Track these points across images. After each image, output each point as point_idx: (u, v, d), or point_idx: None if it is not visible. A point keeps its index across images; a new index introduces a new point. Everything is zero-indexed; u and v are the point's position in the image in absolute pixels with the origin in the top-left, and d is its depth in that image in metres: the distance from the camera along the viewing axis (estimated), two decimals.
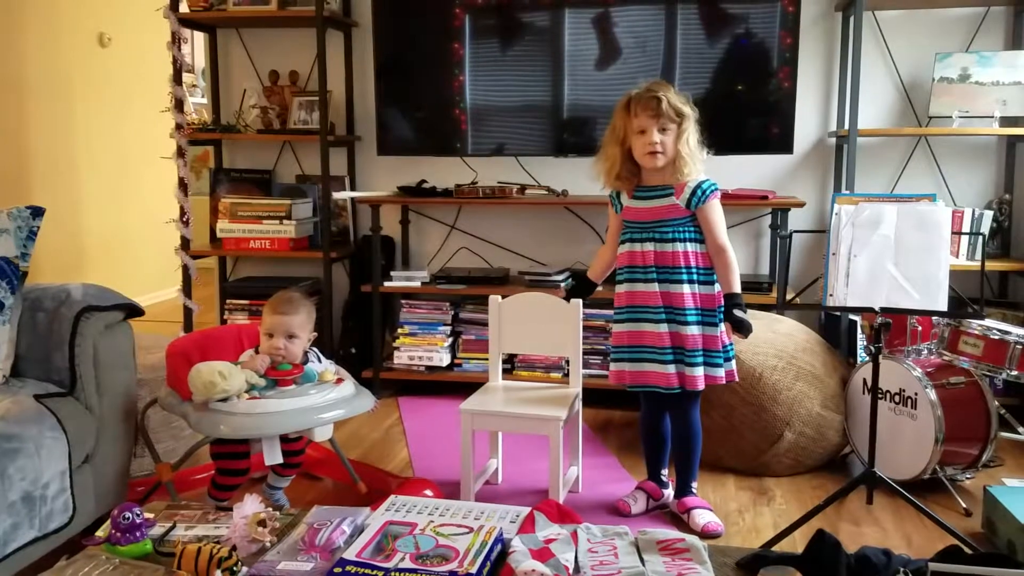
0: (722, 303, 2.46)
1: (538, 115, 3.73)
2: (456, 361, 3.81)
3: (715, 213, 2.46)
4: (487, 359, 2.92)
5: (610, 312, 2.63)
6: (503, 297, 2.84)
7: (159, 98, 4.04)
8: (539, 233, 4.02)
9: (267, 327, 2.35)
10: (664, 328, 2.46)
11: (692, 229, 2.47)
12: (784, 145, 3.56)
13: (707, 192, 2.44)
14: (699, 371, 2.45)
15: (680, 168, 2.43)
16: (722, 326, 2.47)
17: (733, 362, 2.52)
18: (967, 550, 1.69)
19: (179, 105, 3.91)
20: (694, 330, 2.45)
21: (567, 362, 3.07)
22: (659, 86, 2.46)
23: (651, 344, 2.48)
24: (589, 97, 3.66)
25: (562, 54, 3.66)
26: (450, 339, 3.80)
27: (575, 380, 2.79)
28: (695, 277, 2.46)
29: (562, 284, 3.61)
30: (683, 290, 2.45)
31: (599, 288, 2.77)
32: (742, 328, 2.39)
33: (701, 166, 2.47)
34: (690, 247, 2.46)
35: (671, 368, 2.47)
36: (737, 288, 2.44)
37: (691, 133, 2.43)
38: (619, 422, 3.48)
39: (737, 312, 2.40)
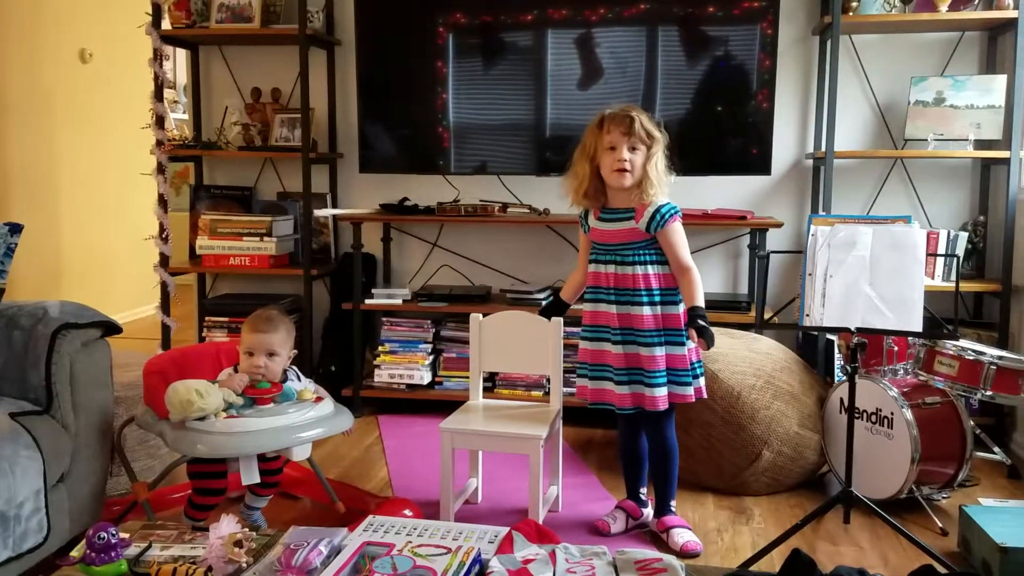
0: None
1: (520, 134, 3.75)
2: (437, 379, 3.80)
3: (675, 236, 2.48)
4: (468, 377, 2.92)
5: (580, 334, 2.65)
6: (484, 315, 2.85)
7: (140, 114, 4.04)
8: (521, 251, 4.03)
9: (247, 345, 2.34)
10: (621, 349, 2.50)
11: (653, 252, 2.50)
12: (762, 166, 3.60)
13: (666, 216, 2.46)
14: (660, 391, 2.47)
15: (646, 190, 2.46)
16: (690, 343, 2.48)
17: (702, 379, 2.54)
18: (941, 569, 1.71)
19: (160, 121, 3.90)
20: (656, 351, 2.47)
21: (548, 380, 3.08)
22: (632, 108, 2.51)
23: (610, 363, 2.52)
24: (571, 117, 3.69)
25: (545, 74, 3.69)
26: (431, 357, 3.80)
27: (556, 398, 2.80)
28: (656, 299, 2.48)
29: (544, 302, 3.61)
30: (643, 312, 2.47)
31: (572, 306, 2.78)
32: (704, 335, 2.39)
33: (667, 190, 2.50)
34: (651, 269, 2.49)
35: (625, 389, 2.50)
36: (700, 302, 2.45)
37: (659, 157, 2.47)
38: (600, 441, 3.48)
39: (700, 321, 2.41)
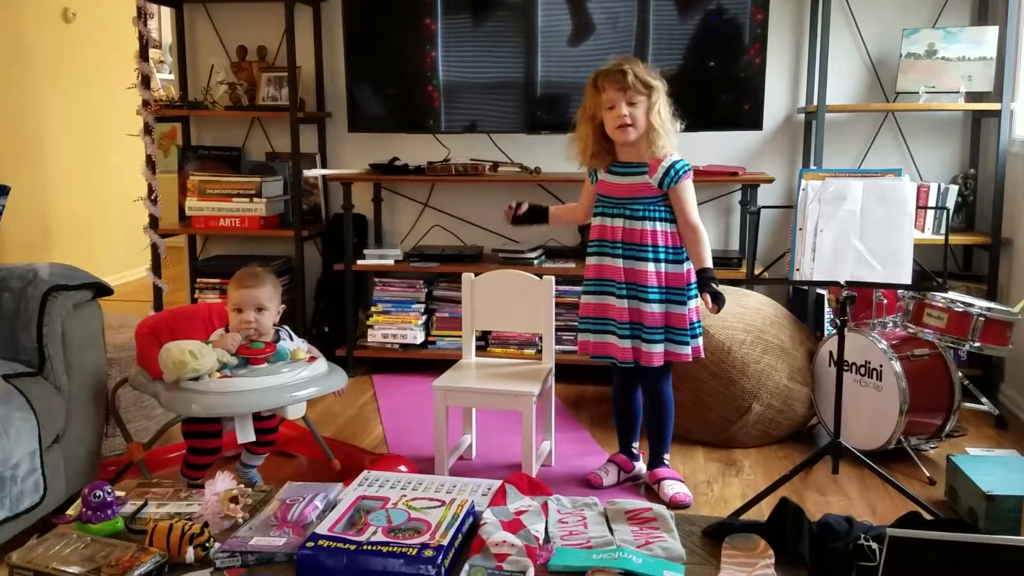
0: (691, 281, 2.49)
1: (511, 92, 3.72)
2: (430, 339, 3.81)
3: (687, 193, 2.47)
4: (461, 336, 2.93)
5: (581, 289, 2.66)
6: (476, 275, 2.85)
7: (125, 74, 3.98)
8: None
9: (235, 303, 2.35)
10: (625, 304, 2.49)
11: (663, 208, 2.48)
12: (754, 121, 3.58)
13: (680, 173, 2.44)
14: (656, 348, 2.48)
15: (654, 141, 2.42)
16: (691, 303, 2.49)
17: (700, 339, 2.55)
18: (926, 516, 1.74)
19: (146, 81, 3.85)
20: (654, 308, 2.47)
21: (540, 338, 3.09)
22: (625, 60, 2.46)
23: (614, 317, 2.52)
24: (562, 74, 3.65)
25: (535, 30, 3.64)
26: (424, 317, 3.80)
27: (548, 356, 2.81)
28: (661, 256, 2.48)
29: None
30: (647, 268, 2.47)
31: (549, 225, 2.76)
32: (718, 300, 2.41)
33: (675, 139, 2.47)
34: (659, 226, 2.47)
35: (627, 343, 2.50)
36: (709, 263, 2.46)
37: (662, 105, 2.43)
38: (591, 397, 3.51)
39: (714, 286, 2.42)
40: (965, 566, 1.27)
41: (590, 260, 2.58)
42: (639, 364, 2.51)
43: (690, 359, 2.52)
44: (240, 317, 2.32)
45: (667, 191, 2.46)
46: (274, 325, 2.41)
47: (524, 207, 2.73)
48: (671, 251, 2.48)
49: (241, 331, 2.31)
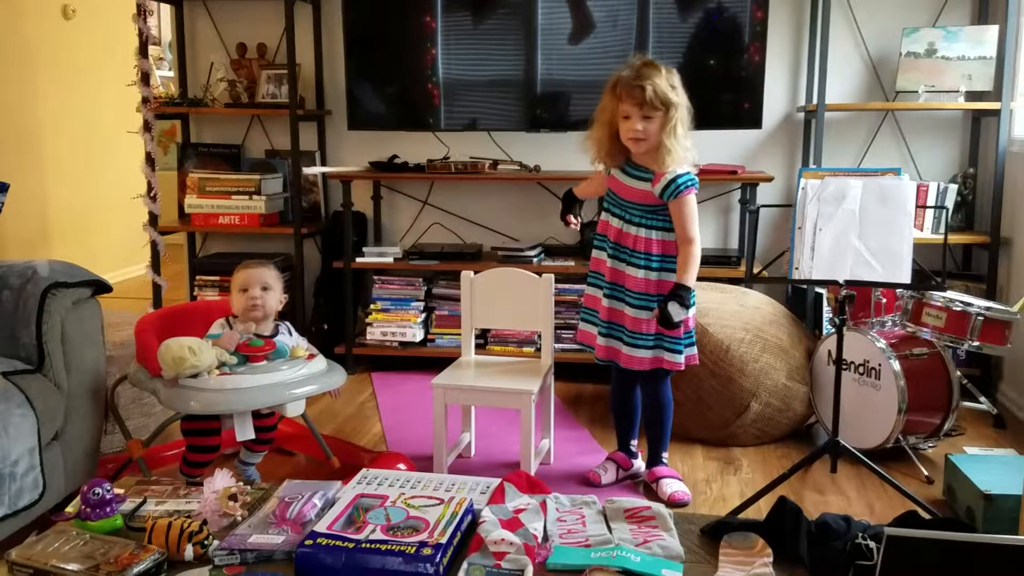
0: (691, 291, 2.46)
1: (511, 90, 3.72)
2: (429, 337, 3.82)
3: (686, 208, 2.42)
4: (460, 334, 2.93)
5: (581, 287, 2.68)
6: (475, 273, 2.85)
7: (125, 71, 3.98)
8: (512, 208, 4.02)
9: (240, 283, 2.37)
10: (607, 303, 2.52)
11: (661, 219, 2.46)
12: (754, 120, 3.58)
13: (680, 188, 2.40)
14: (637, 352, 2.47)
15: (662, 157, 2.40)
16: (688, 312, 2.44)
17: (694, 348, 2.54)
18: (924, 515, 1.74)
19: (145, 78, 3.85)
20: (637, 313, 2.46)
21: (539, 336, 3.09)
22: (648, 70, 2.39)
23: (598, 312, 2.56)
24: (562, 72, 3.65)
25: (535, 28, 3.64)
26: (423, 315, 3.81)
27: (547, 354, 2.81)
28: (653, 264, 2.46)
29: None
30: (633, 273, 2.47)
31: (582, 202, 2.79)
32: (667, 322, 2.37)
33: (684, 154, 2.42)
34: (655, 234, 2.46)
35: (604, 341, 2.53)
36: (688, 282, 2.40)
37: (679, 122, 2.39)
38: (590, 395, 3.51)
39: (673, 305, 2.35)
40: (963, 566, 1.27)
41: (593, 252, 2.61)
42: (618, 364, 2.52)
43: (683, 367, 2.50)
44: (247, 295, 2.34)
45: (667, 202, 2.44)
46: (274, 321, 2.42)
47: (578, 219, 2.76)
48: (666, 259, 2.46)
49: (247, 311, 2.33)
